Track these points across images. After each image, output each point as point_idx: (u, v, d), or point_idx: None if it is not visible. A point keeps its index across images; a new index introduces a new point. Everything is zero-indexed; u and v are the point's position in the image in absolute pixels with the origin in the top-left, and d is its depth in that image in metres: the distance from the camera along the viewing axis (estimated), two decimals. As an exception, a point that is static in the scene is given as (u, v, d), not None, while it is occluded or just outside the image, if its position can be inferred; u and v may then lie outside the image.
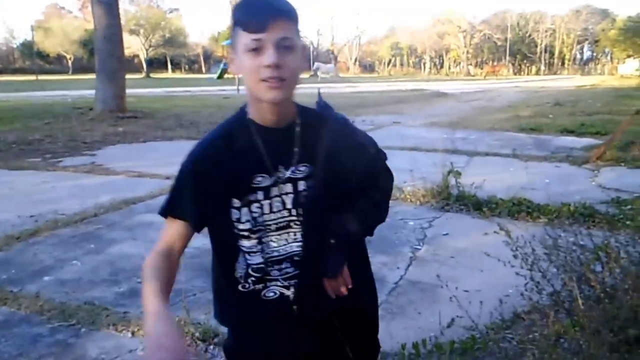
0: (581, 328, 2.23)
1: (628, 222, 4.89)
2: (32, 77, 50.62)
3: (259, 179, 1.41)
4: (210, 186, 1.41)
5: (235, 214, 1.42)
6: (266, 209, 1.43)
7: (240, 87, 27.82)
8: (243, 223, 1.42)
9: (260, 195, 1.42)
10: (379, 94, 27.73)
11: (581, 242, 2.77)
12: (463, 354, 2.66)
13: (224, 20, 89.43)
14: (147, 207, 5.73)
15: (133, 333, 3.10)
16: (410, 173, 6.18)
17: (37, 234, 4.83)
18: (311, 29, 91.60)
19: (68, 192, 6.50)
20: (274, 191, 1.42)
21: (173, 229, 1.47)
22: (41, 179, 7.30)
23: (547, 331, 2.37)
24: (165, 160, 8.29)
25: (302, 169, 1.43)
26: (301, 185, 1.43)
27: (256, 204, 1.42)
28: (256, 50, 1.27)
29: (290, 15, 1.31)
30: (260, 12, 1.28)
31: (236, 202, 1.41)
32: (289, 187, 1.43)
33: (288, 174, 1.42)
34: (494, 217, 5.17)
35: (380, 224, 1.60)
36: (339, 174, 1.43)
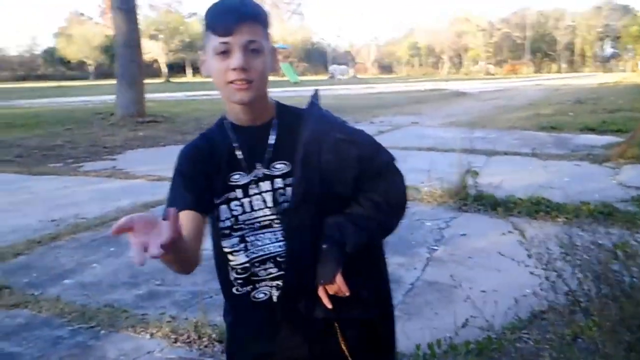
0: (598, 327, 2.20)
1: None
2: (55, 84, 51.31)
3: (236, 176, 1.43)
4: (196, 182, 1.41)
5: (216, 212, 1.44)
6: (247, 207, 1.43)
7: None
8: (223, 221, 1.44)
9: (239, 193, 1.43)
10: (397, 95, 27.64)
11: (599, 241, 2.74)
12: (479, 354, 2.65)
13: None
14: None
15: (152, 335, 3.15)
16: (428, 173, 6.16)
17: (58, 238, 4.91)
18: (330, 31, 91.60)
19: (89, 196, 6.59)
20: (253, 189, 1.43)
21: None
22: (63, 184, 7.42)
23: (564, 331, 2.35)
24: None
25: (279, 166, 1.43)
26: (278, 183, 1.43)
27: (235, 202, 1.43)
28: (224, 53, 1.31)
29: (257, 19, 1.34)
30: (227, 16, 1.31)
31: (216, 200, 1.43)
32: (267, 185, 1.43)
33: (265, 171, 1.43)
34: (512, 216, 5.13)
35: (390, 231, 1.52)
36: (321, 171, 1.40)
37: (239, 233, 1.44)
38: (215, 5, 1.36)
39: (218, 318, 3.22)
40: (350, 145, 1.45)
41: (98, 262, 4.35)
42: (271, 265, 1.45)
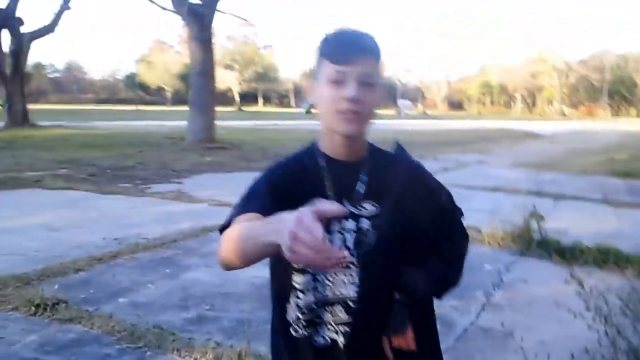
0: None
1: None
2: (133, 107, 53.66)
3: None
4: (279, 200, 1.27)
5: None
6: None
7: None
8: None
9: None
10: (466, 132, 27.27)
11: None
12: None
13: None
14: (223, 235, 5.86)
15: (195, 359, 3.14)
16: (490, 214, 5.99)
17: (118, 257, 5.04)
18: (400, 66, 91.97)
19: (153, 217, 6.77)
20: (335, 225, 1.35)
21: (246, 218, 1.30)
22: (130, 204, 7.66)
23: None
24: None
25: (367, 206, 1.37)
26: (364, 224, 1.36)
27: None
28: (338, 82, 1.29)
29: (374, 54, 1.33)
30: (347, 46, 1.31)
31: None
32: (351, 224, 1.36)
33: (352, 209, 1.36)
34: (577, 265, 4.90)
35: (453, 288, 1.48)
36: (408, 218, 1.36)
37: (313, 270, 1.36)
38: (335, 34, 1.36)
39: (262, 348, 3.20)
40: (439, 198, 1.44)
41: (153, 282, 4.42)
42: (340, 309, 1.37)
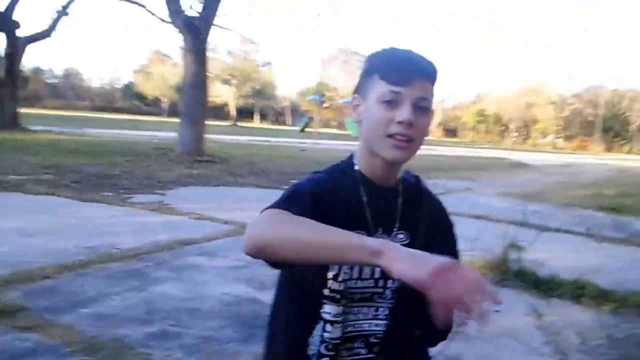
0: None
1: None
2: (129, 117, 53.60)
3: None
4: (318, 215, 1.13)
5: (332, 268, 1.23)
6: (355, 273, 1.24)
7: (319, 141, 28.26)
8: (339, 282, 1.23)
9: None
10: (457, 159, 27.33)
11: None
12: None
13: (313, 76, 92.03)
14: (200, 249, 5.78)
15: (150, 377, 3.05)
16: (472, 242, 5.92)
17: (88, 266, 4.94)
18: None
19: (130, 227, 6.67)
20: None
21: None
22: (109, 213, 7.56)
23: None
24: (229, 205, 8.46)
25: (400, 236, 1.30)
26: None
27: (347, 265, 1.23)
28: (391, 103, 1.20)
29: (432, 77, 1.26)
30: (405, 66, 1.22)
31: None
32: None
33: (385, 237, 1.26)
34: (553, 298, 4.85)
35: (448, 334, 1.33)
36: (434, 251, 1.28)
37: (345, 302, 1.24)
38: (390, 52, 1.27)
39: (221, 368, 3.12)
40: (454, 237, 1.41)
41: (119, 294, 4.32)
42: (361, 345, 1.28)
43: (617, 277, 5.39)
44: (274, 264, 1.11)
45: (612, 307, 4.68)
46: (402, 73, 1.20)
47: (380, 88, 1.21)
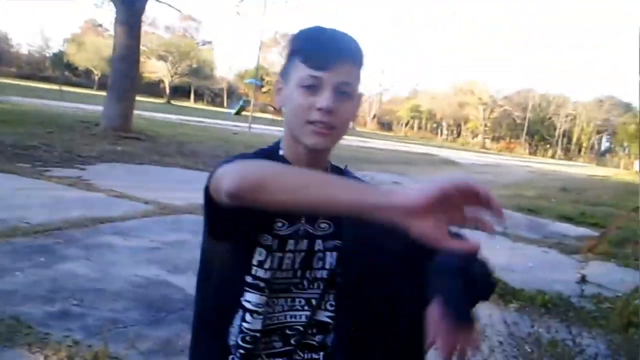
0: None
1: (602, 322, 4.69)
2: (56, 87, 51.35)
3: (279, 224, 1.18)
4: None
5: (259, 254, 1.17)
6: (275, 263, 1.18)
7: (253, 126, 28.00)
8: (265, 270, 1.17)
9: (275, 244, 1.17)
10: (388, 153, 27.77)
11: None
12: None
13: (252, 59, 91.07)
14: (114, 228, 5.60)
15: (46, 357, 2.93)
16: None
17: (-9, 239, 4.69)
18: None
19: (42, 202, 6.38)
20: (290, 244, 1.19)
21: None
22: (21, 185, 7.21)
23: None
24: (151, 184, 8.22)
25: (323, 225, 1.23)
26: (318, 245, 1.22)
27: (270, 253, 1.18)
28: (311, 88, 1.13)
29: (356, 59, 1.17)
30: (325, 49, 1.14)
31: (267, 239, 1.17)
32: (304, 244, 1.21)
33: (308, 227, 1.21)
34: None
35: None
36: (371, 246, 1.18)
37: (268, 291, 1.18)
38: (312, 31, 1.18)
39: (122, 351, 3.02)
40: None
41: (22, 270, 4.13)
42: (276, 338, 1.22)
43: (527, 276, 5.60)
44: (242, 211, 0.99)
45: (518, 306, 4.86)
46: (323, 56, 1.13)
47: (300, 72, 1.14)
